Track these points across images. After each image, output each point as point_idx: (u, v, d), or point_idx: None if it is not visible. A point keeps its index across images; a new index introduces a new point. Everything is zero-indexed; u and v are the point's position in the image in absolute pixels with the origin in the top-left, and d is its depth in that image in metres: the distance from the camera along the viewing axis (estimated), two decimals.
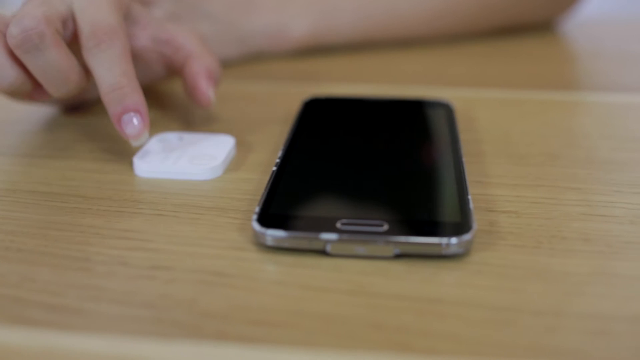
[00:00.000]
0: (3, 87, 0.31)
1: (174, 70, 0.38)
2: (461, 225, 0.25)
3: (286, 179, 0.29)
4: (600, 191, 0.30)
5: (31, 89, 0.32)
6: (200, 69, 0.36)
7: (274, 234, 0.25)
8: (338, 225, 0.25)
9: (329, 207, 0.27)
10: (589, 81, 0.48)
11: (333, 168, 0.30)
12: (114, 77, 0.31)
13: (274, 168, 0.30)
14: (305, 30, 0.49)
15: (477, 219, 0.27)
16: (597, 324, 0.21)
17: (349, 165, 0.30)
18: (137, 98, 0.31)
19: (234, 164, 0.33)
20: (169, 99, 0.42)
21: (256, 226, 0.25)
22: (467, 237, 0.24)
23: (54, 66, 0.30)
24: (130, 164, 0.32)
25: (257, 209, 0.26)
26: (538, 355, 0.20)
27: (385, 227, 0.25)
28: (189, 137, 0.34)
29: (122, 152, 0.34)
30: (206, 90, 0.35)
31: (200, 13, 0.45)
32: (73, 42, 0.32)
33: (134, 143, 0.31)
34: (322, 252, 0.25)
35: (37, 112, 0.40)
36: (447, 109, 0.36)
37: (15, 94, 0.32)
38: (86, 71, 0.33)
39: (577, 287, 0.23)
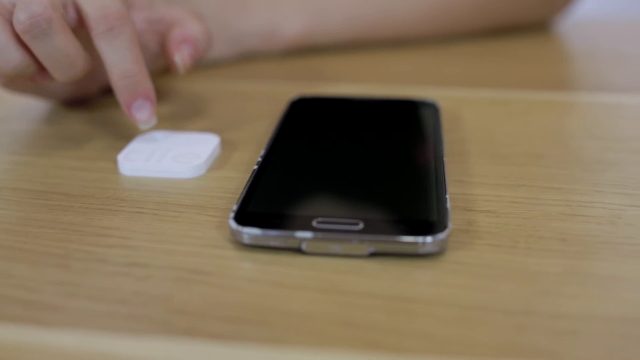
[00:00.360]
0: (7, 70, 0.31)
1: None
2: (436, 225, 0.25)
3: (266, 178, 0.29)
4: (582, 191, 0.30)
5: (35, 72, 0.32)
6: (176, 36, 0.36)
7: (250, 232, 0.25)
8: (314, 223, 0.25)
9: (307, 206, 0.27)
10: (581, 81, 0.48)
11: (314, 167, 0.30)
12: (126, 64, 0.32)
13: (255, 167, 0.30)
14: (298, 30, 0.49)
15: (455, 218, 0.27)
16: (568, 324, 0.21)
17: (329, 164, 0.30)
18: (147, 84, 0.33)
19: (218, 163, 0.33)
20: (161, 96, 0.42)
21: (233, 224, 0.25)
22: (441, 236, 0.24)
23: (61, 51, 0.31)
24: (116, 162, 0.32)
25: (234, 207, 0.26)
26: (507, 355, 0.20)
27: (361, 225, 0.25)
28: (175, 135, 0.34)
29: (108, 150, 0.34)
30: (173, 55, 0.36)
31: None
32: (73, 27, 0.33)
33: (143, 127, 0.33)
34: (298, 250, 0.25)
35: (24, 111, 0.40)
36: (432, 109, 0.36)
37: (18, 77, 0.32)
38: (92, 56, 0.33)
39: (550, 287, 0.23)
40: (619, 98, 0.42)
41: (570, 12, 0.58)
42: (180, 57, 0.36)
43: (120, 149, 0.34)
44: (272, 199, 0.27)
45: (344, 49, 0.52)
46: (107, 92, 0.41)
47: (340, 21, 0.50)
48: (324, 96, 0.39)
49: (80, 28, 0.33)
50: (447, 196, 0.27)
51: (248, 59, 0.50)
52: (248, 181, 0.28)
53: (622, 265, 0.24)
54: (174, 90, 0.43)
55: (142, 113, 0.33)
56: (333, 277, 0.24)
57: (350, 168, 0.30)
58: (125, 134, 0.36)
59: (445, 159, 0.30)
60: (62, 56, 0.31)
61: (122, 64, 0.32)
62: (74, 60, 0.31)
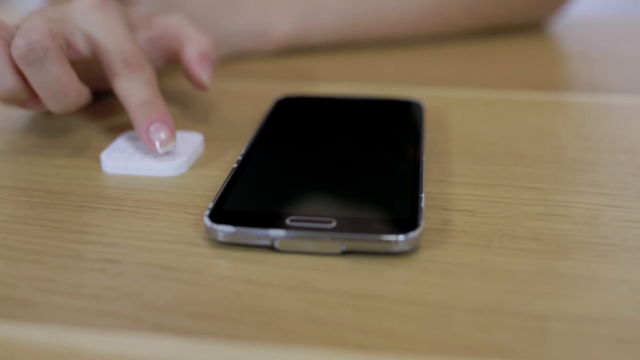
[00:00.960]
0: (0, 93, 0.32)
1: (173, 59, 0.39)
2: (409, 223, 0.25)
3: (244, 176, 0.29)
4: (561, 191, 0.30)
5: (27, 99, 0.32)
6: (193, 54, 0.36)
7: (224, 230, 0.25)
8: (287, 221, 0.25)
9: (282, 204, 0.27)
10: (573, 81, 0.48)
11: (292, 166, 0.30)
12: (145, 95, 0.33)
13: (235, 165, 0.30)
14: (288, 30, 0.49)
15: (431, 217, 0.27)
16: (535, 323, 0.21)
17: (309, 163, 0.30)
18: (164, 111, 0.33)
19: (202, 161, 0.33)
20: None
21: (207, 222, 0.26)
22: (413, 234, 0.25)
23: (55, 81, 0.31)
24: (99, 160, 0.33)
25: (210, 205, 0.27)
26: (470, 353, 0.20)
27: (334, 224, 0.25)
28: None
29: (93, 149, 0.34)
30: (199, 76, 0.37)
31: (182, 13, 0.46)
32: (76, 62, 0.33)
33: (161, 150, 0.32)
34: (272, 248, 0.25)
35: (10, 110, 0.41)
36: (417, 108, 0.36)
37: (10, 101, 0.33)
38: (91, 90, 0.34)
39: (519, 286, 0.23)
40: (609, 98, 0.42)
41: (564, 12, 0.58)
42: (207, 76, 0.37)
43: (101, 148, 0.34)
44: (248, 197, 0.27)
45: (336, 48, 0.52)
46: (95, 95, 0.41)
47: (332, 21, 0.50)
48: (309, 96, 0.39)
49: (87, 58, 0.34)
50: (423, 195, 0.27)
51: (238, 58, 0.50)
52: (226, 179, 0.29)
53: (595, 265, 0.24)
54: (162, 88, 0.44)
55: (159, 135, 0.32)
56: (304, 274, 0.24)
57: (329, 167, 0.30)
58: (111, 134, 0.36)
59: (424, 158, 0.31)
60: (56, 86, 0.31)
61: (139, 94, 0.32)
62: (67, 91, 0.31)
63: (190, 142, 0.33)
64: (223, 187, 0.28)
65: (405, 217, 0.26)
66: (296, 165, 0.30)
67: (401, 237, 0.24)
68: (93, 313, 0.22)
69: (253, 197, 0.28)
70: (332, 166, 0.30)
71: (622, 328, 0.21)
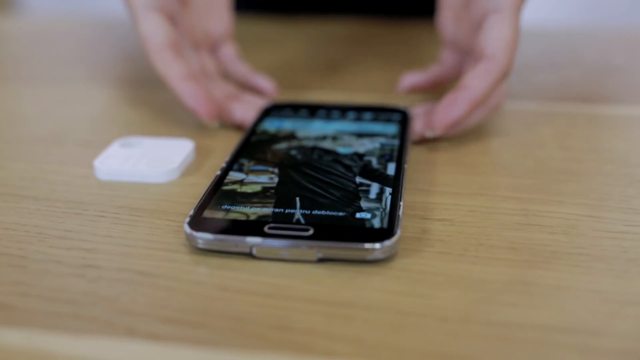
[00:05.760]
0: None
1: None
2: (385, 232, 0.25)
3: (226, 184, 0.29)
4: (542, 201, 0.30)
5: None
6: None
7: (203, 237, 0.26)
8: (265, 229, 0.26)
9: (261, 211, 0.27)
10: (565, 91, 0.48)
11: (274, 173, 0.31)
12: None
13: (218, 172, 0.30)
14: None
15: (409, 226, 0.28)
16: (501, 332, 0.22)
17: (290, 170, 0.31)
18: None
19: (192, 168, 0.34)
20: (141, 103, 0.43)
21: (187, 229, 0.26)
22: (388, 243, 0.25)
23: None
24: (92, 167, 0.33)
25: (191, 212, 0.27)
26: None
27: (311, 231, 0.25)
28: (151, 141, 0.35)
29: (86, 156, 0.35)
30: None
31: None
32: None
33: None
34: (250, 255, 0.26)
35: (5, 116, 0.41)
36: (403, 116, 0.37)
37: None
38: None
39: (490, 295, 0.23)
40: (600, 108, 0.42)
41: (559, 20, 0.58)
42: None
43: (95, 154, 0.35)
44: (228, 205, 0.28)
45: (330, 57, 0.52)
46: (87, 100, 0.41)
47: None
48: (297, 103, 0.39)
49: None
50: (401, 203, 0.27)
51: None
52: (208, 187, 0.29)
53: (567, 275, 0.25)
54: (155, 96, 0.44)
55: None
56: (279, 281, 0.24)
57: (310, 174, 0.30)
58: (104, 142, 0.37)
59: (406, 166, 0.31)
60: None
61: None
62: None
63: (182, 150, 0.34)
64: (205, 195, 0.28)
65: (382, 226, 0.26)
66: (278, 173, 0.31)
67: (377, 246, 0.25)
68: (69, 317, 0.23)
69: (233, 205, 0.28)
70: (314, 173, 0.30)
71: (588, 338, 0.21)
